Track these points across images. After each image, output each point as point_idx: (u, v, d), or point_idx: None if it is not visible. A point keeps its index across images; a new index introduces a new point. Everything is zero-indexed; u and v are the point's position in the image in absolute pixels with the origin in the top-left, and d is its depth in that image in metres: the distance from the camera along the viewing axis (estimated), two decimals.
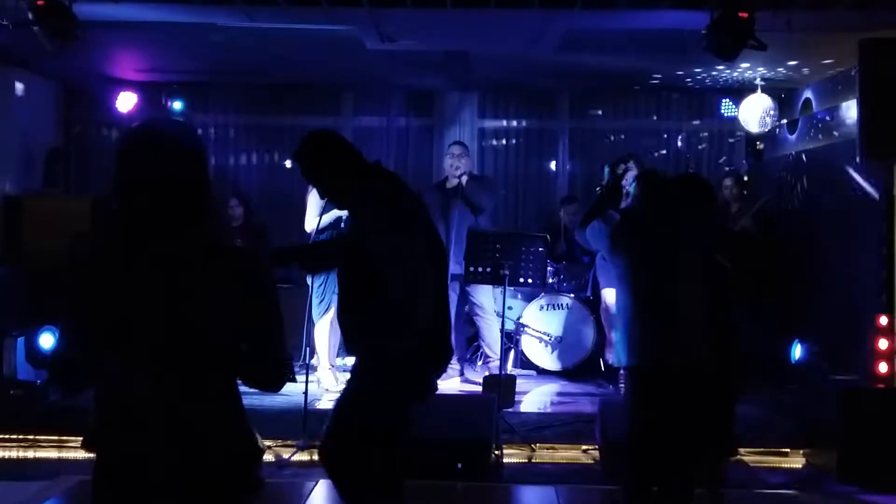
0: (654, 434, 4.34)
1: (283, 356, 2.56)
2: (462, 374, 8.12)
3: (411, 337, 3.67)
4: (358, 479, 3.82)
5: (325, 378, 7.47)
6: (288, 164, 9.96)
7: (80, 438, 5.83)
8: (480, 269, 6.87)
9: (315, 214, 6.32)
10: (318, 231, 6.16)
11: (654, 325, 4.34)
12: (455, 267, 7.02)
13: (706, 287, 4.37)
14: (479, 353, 8.27)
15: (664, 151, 10.09)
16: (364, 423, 3.77)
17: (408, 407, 3.86)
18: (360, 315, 3.81)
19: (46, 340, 7.10)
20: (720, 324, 4.43)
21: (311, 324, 7.42)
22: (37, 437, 6.24)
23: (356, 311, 3.84)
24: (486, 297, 7.91)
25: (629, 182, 7.45)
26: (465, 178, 7.81)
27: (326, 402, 7.20)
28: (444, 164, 8.12)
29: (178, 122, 2.67)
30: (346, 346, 4.07)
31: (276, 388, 2.55)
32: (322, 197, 4.11)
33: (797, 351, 7.26)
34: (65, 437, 6.12)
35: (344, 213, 6.33)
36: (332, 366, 7.56)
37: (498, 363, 7.12)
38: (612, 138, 10.13)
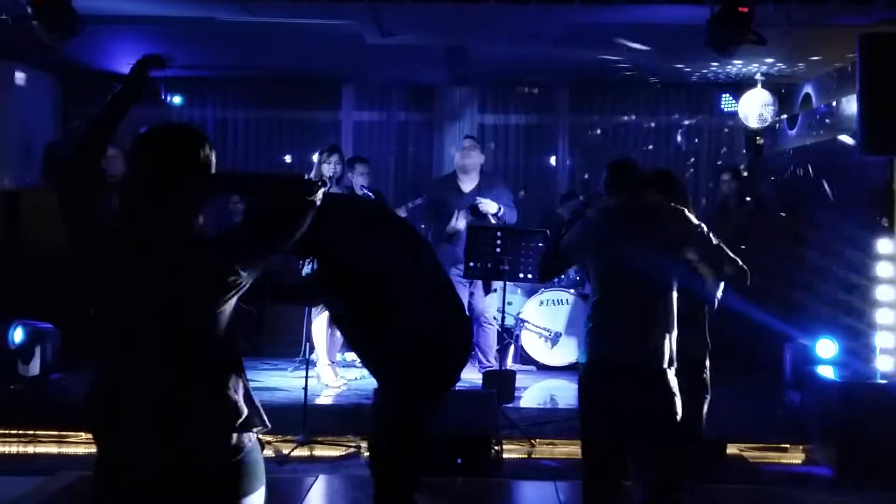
0: (601, 432, 4.15)
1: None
2: None
3: (413, 334, 3.73)
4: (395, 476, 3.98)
5: (324, 374, 7.46)
6: (288, 158, 9.98)
7: (80, 434, 5.86)
8: (480, 265, 6.87)
9: None
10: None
11: (611, 324, 4.05)
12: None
13: (672, 292, 4.03)
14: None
15: (664, 147, 10.06)
16: (393, 422, 3.92)
17: (430, 400, 3.97)
18: (361, 327, 3.94)
19: (17, 335, 7.11)
20: (689, 331, 4.15)
21: (310, 320, 7.42)
22: (36, 432, 6.24)
23: (356, 325, 3.97)
24: (486, 302, 7.88)
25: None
26: (482, 204, 7.63)
27: (325, 398, 7.20)
28: (456, 159, 7.98)
29: (189, 126, 2.74)
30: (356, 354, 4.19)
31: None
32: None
33: (826, 349, 6.84)
34: (64, 433, 6.12)
35: None
36: (332, 362, 7.55)
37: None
38: (612, 134, 10.12)
